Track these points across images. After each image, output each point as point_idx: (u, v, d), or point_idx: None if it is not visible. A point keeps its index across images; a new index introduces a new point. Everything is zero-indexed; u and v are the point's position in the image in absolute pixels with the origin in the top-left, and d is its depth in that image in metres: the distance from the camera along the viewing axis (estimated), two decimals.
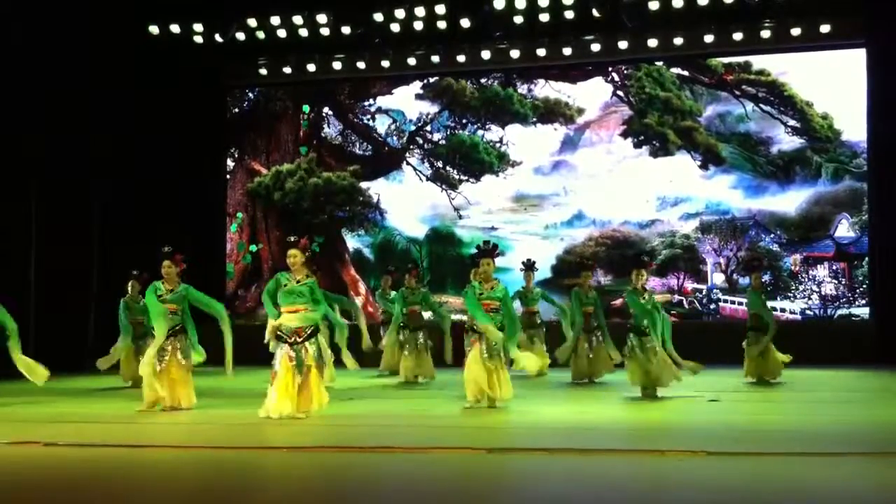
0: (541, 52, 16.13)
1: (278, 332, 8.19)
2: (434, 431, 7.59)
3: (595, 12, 15.00)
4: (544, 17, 15.29)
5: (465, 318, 9.60)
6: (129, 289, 12.08)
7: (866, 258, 15.18)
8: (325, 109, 17.88)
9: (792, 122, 15.80)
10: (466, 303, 8.92)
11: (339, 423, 8.15)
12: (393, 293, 12.97)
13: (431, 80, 17.34)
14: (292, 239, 8.63)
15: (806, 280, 15.47)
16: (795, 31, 15.11)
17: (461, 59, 16.47)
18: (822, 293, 15.40)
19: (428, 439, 6.95)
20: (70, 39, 14.12)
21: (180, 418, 8.45)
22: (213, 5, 15.72)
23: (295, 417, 7.96)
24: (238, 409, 8.61)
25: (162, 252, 9.25)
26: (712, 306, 15.82)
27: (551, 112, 16.82)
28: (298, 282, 8.33)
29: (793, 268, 15.54)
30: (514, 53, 16.23)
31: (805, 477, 5.49)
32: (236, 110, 18.20)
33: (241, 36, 16.08)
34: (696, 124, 16.15)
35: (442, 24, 15.56)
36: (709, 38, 15.45)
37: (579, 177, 16.67)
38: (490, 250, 9.01)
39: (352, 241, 17.50)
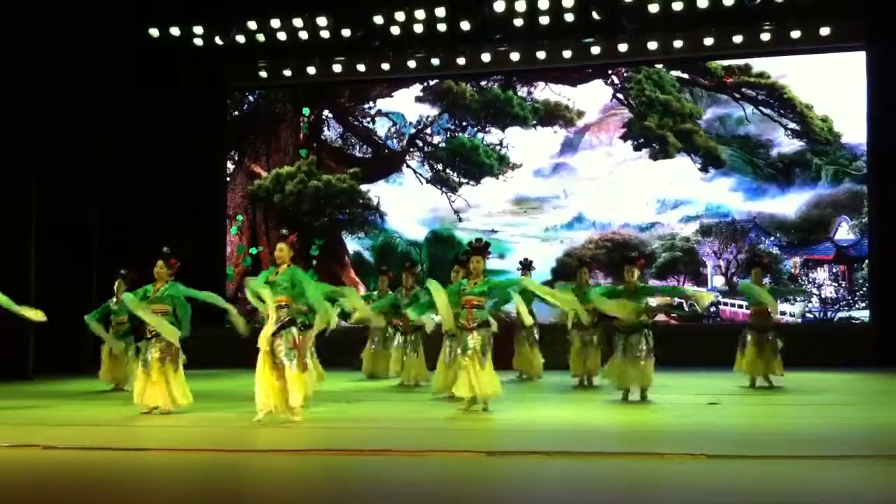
0: (541, 54, 16.14)
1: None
2: (432, 434, 7.59)
3: (595, 15, 15.01)
4: (544, 20, 15.31)
5: (437, 318, 9.70)
6: (116, 288, 12.03)
7: (866, 261, 15.18)
8: (326, 112, 17.89)
9: (792, 125, 15.81)
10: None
11: (337, 427, 8.15)
12: (390, 293, 12.92)
13: (431, 82, 17.36)
14: (284, 232, 8.63)
15: (806, 283, 15.47)
16: (795, 34, 15.13)
17: (461, 61, 16.49)
18: (823, 296, 15.40)
19: (426, 442, 6.95)
20: (70, 41, 14.13)
21: (177, 421, 8.44)
22: (213, 8, 15.74)
23: (283, 418, 7.94)
24: (235, 411, 8.61)
25: (161, 252, 9.27)
26: (712, 309, 15.80)
27: (551, 115, 16.82)
28: (278, 273, 8.33)
29: (793, 270, 15.54)
30: (514, 56, 16.25)
31: (805, 480, 5.48)
32: (236, 113, 18.21)
33: (241, 38, 16.09)
34: (696, 127, 16.15)
35: (442, 27, 15.58)
36: (709, 41, 15.47)
37: (579, 179, 16.68)
38: (482, 248, 9.04)
39: (352, 244, 17.50)
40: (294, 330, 8.17)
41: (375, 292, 13.56)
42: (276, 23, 15.85)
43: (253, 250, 17.76)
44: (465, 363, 8.59)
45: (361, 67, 16.75)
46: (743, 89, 16.06)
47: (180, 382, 9.03)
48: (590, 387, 11.51)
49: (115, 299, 11.96)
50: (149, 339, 9.09)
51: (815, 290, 15.40)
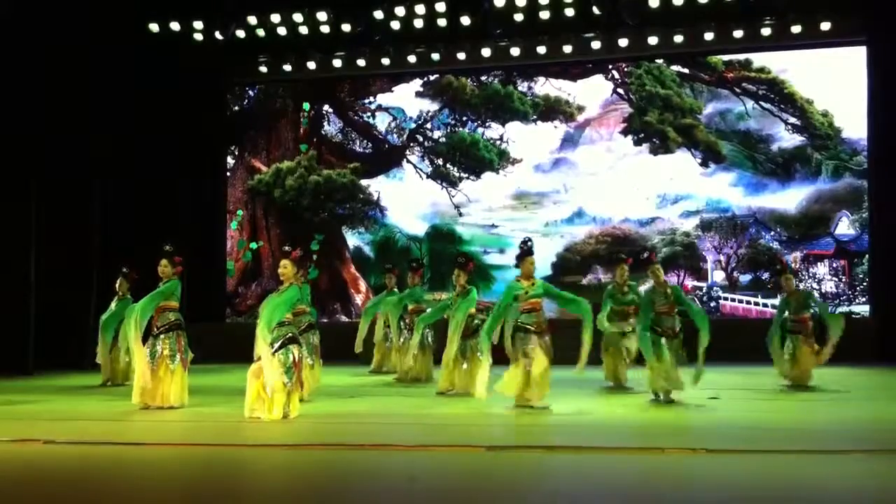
0: (541, 49, 16.13)
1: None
2: (433, 429, 7.59)
3: (595, 10, 15.00)
4: (544, 15, 15.28)
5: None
6: (118, 287, 11.99)
7: (866, 255, 15.18)
8: (326, 107, 17.88)
9: (792, 120, 15.80)
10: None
11: (339, 421, 8.15)
12: (395, 291, 12.91)
13: (432, 77, 17.35)
14: (287, 249, 8.55)
15: (806, 278, 15.46)
16: (796, 29, 15.11)
17: (461, 56, 16.47)
18: (823, 291, 15.39)
19: (427, 437, 6.95)
20: (70, 38, 14.10)
21: (177, 416, 8.45)
22: (213, 3, 15.72)
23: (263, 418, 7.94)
24: (235, 406, 8.60)
25: (163, 250, 9.25)
26: (713, 304, 15.81)
27: (551, 109, 16.82)
28: (280, 292, 8.29)
29: (793, 265, 15.52)
30: (515, 51, 16.23)
31: (806, 474, 5.48)
32: (236, 108, 18.20)
33: (241, 34, 16.07)
34: (697, 122, 16.15)
35: (442, 22, 15.56)
36: (709, 36, 15.45)
37: (579, 174, 16.68)
38: (531, 248, 9.10)
39: (352, 239, 17.51)
40: (294, 348, 8.07)
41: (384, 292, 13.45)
42: (276, 18, 15.84)
43: (253, 245, 17.77)
44: (542, 363, 8.47)
45: (361, 62, 16.74)
46: (743, 84, 16.05)
47: (183, 382, 9.01)
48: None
49: (116, 299, 11.94)
50: (156, 336, 9.06)
51: (815, 285, 15.39)
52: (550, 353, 8.64)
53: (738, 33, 15.34)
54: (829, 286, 15.42)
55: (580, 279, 16.17)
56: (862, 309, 15.17)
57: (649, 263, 9.60)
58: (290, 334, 8.13)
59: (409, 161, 17.42)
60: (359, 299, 17.05)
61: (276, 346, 7.98)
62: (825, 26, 15.02)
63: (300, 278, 9.14)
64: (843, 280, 15.36)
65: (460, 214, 17.08)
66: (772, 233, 15.73)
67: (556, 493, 5.11)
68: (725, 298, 15.78)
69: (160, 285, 9.16)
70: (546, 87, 16.88)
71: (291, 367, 7.98)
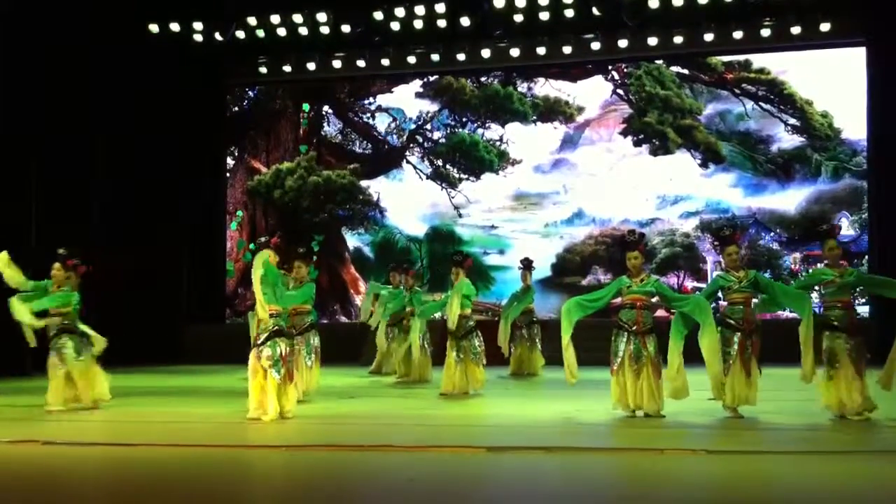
0: (541, 50, 16.13)
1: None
2: (433, 430, 7.58)
3: (595, 10, 15.00)
4: (544, 16, 15.29)
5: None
6: None
7: (866, 256, 15.17)
8: (325, 108, 17.89)
9: (792, 121, 15.80)
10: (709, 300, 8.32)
11: (337, 422, 8.15)
12: (401, 289, 12.89)
13: (431, 78, 17.36)
14: (262, 240, 8.32)
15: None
16: (795, 30, 15.12)
17: (461, 57, 16.47)
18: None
19: (427, 438, 6.94)
20: (70, 38, 14.11)
21: (176, 417, 8.43)
22: (213, 4, 15.73)
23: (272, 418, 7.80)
24: (235, 407, 8.59)
25: (56, 253, 9.00)
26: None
27: (551, 110, 16.83)
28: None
29: (793, 266, 15.54)
30: (514, 52, 16.23)
31: (806, 475, 5.48)
32: (236, 109, 18.21)
33: (241, 34, 16.09)
34: (696, 123, 16.15)
35: (442, 23, 15.57)
36: (709, 37, 15.45)
37: (579, 175, 16.67)
38: (638, 241, 8.19)
39: (352, 240, 17.51)
40: (281, 342, 7.81)
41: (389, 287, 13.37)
42: (275, 19, 15.85)
43: (253, 246, 17.73)
44: (634, 370, 7.90)
45: (361, 63, 16.74)
46: (743, 85, 16.06)
47: (100, 377, 8.88)
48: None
49: None
50: (58, 336, 8.84)
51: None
52: (645, 356, 7.94)
53: (737, 34, 15.35)
54: None
55: (580, 280, 16.16)
56: (862, 310, 15.09)
57: (829, 237, 8.46)
58: (276, 327, 7.86)
59: (408, 162, 17.42)
60: (358, 300, 17.03)
61: (263, 338, 7.81)
62: (825, 27, 15.03)
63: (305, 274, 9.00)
64: None
65: (460, 215, 17.08)
66: (771, 234, 15.73)
67: (556, 493, 5.10)
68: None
69: (54, 290, 8.93)
70: (546, 87, 16.89)
71: (279, 360, 7.73)
